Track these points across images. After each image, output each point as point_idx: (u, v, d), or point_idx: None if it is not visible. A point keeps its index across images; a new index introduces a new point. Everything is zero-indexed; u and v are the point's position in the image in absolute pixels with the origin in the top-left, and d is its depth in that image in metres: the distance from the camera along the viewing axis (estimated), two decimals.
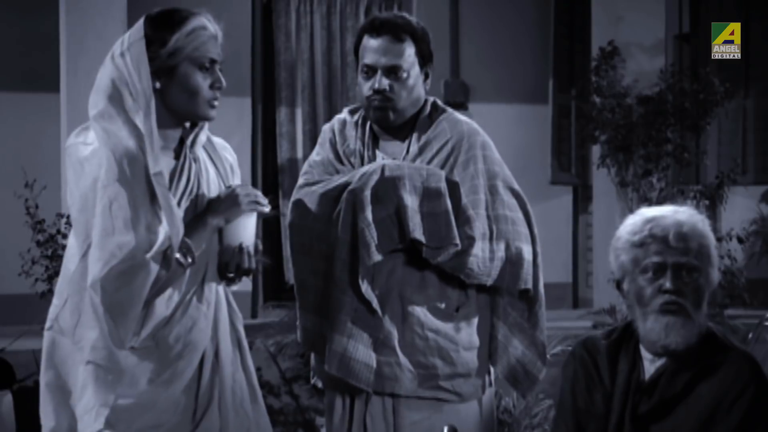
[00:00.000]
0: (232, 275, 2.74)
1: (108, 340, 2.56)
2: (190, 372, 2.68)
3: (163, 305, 2.61)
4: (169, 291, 2.61)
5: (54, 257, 5.97)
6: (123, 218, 2.54)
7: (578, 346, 2.77)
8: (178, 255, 2.58)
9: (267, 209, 2.74)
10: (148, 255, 2.53)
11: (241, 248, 2.71)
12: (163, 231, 2.56)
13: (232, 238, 2.72)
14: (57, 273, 5.77)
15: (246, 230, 2.73)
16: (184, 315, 2.65)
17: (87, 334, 2.58)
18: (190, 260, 2.61)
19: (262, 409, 2.84)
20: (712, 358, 2.61)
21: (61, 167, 6.91)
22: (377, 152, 3.18)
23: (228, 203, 2.70)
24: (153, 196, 2.57)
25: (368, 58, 3.10)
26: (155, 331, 2.61)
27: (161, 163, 2.61)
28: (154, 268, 2.55)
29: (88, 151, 2.61)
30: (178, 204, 2.66)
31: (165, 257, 2.56)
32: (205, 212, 2.70)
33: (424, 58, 3.15)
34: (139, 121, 2.59)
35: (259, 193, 2.76)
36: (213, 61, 2.69)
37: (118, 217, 2.54)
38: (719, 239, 7.14)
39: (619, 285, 2.71)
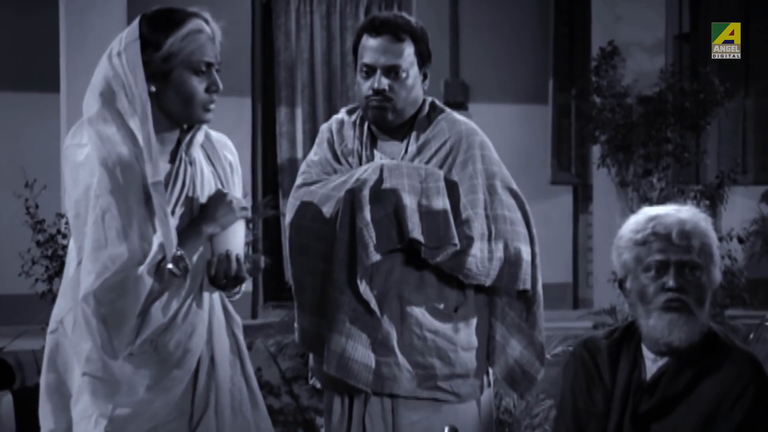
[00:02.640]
0: (224, 283, 2.66)
1: (101, 351, 2.52)
2: (188, 377, 2.65)
3: (160, 313, 2.55)
4: (165, 298, 2.56)
5: (54, 257, 5.96)
6: (116, 229, 2.49)
7: (579, 346, 2.77)
8: (170, 265, 2.53)
9: (249, 215, 2.70)
10: (141, 268, 2.49)
11: (228, 255, 2.62)
12: (156, 241, 2.52)
13: (221, 246, 2.64)
14: (57, 273, 5.77)
15: (235, 237, 2.66)
16: (185, 321, 2.61)
17: (81, 345, 2.56)
18: (182, 270, 2.56)
19: (263, 413, 2.80)
20: (714, 357, 2.60)
21: (61, 167, 6.90)
22: (375, 152, 3.17)
23: (224, 210, 2.64)
24: (147, 204, 2.53)
25: (367, 58, 3.09)
26: (154, 337, 2.57)
27: (160, 170, 2.56)
28: (148, 279, 2.50)
29: (83, 156, 2.55)
30: (173, 210, 2.61)
31: (158, 269, 2.52)
32: (199, 220, 2.63)
33: (423, 58, 3.14)
34: (134, 125, 2.54)
35: (243, 199, 2.70)
36: (209, 65, 2.62)
37: (111, 227, 2.49)
38: (719, 239, 7.14)
39: (621, 284, 2.70)
